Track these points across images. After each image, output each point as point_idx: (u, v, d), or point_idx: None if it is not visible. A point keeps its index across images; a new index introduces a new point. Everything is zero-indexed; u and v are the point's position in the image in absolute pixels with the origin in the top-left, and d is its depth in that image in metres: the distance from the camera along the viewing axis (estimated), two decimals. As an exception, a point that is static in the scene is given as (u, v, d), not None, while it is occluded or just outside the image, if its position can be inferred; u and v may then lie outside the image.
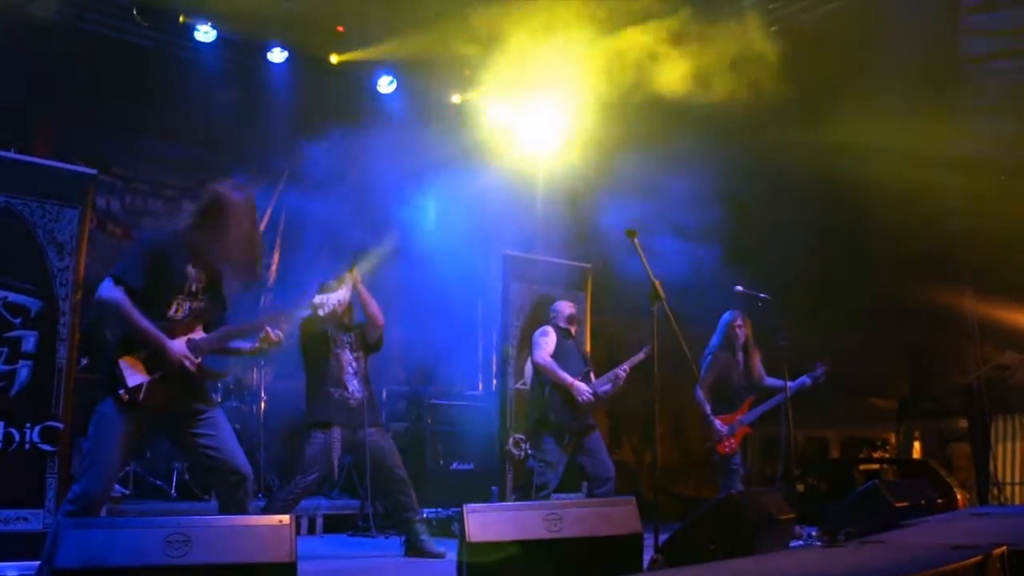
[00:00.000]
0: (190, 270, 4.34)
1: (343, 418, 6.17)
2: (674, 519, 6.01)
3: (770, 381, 7.64)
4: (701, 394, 7.42)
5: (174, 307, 4.31)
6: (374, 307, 6.35)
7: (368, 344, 6.49)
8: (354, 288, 6.16)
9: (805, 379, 7.53)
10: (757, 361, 7.65)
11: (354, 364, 6.29)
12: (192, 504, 7.50)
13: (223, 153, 8.92)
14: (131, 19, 8.58)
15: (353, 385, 6.19)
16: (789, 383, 7.47)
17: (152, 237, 4.41)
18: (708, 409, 7.38)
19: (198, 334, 4.35)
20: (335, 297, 4.88)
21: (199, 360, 4.31)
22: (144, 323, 4.16)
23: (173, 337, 4.24)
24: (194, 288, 4.37)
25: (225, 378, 4.65)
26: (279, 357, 8.67)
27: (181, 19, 8.60)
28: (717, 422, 7.33)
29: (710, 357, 7.61)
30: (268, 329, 4.49)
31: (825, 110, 8.03)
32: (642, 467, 11.57)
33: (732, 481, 7.23)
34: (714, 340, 7.70)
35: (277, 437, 8.43)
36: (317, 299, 4.76)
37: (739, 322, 7.53)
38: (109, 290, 4.16)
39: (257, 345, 4.54)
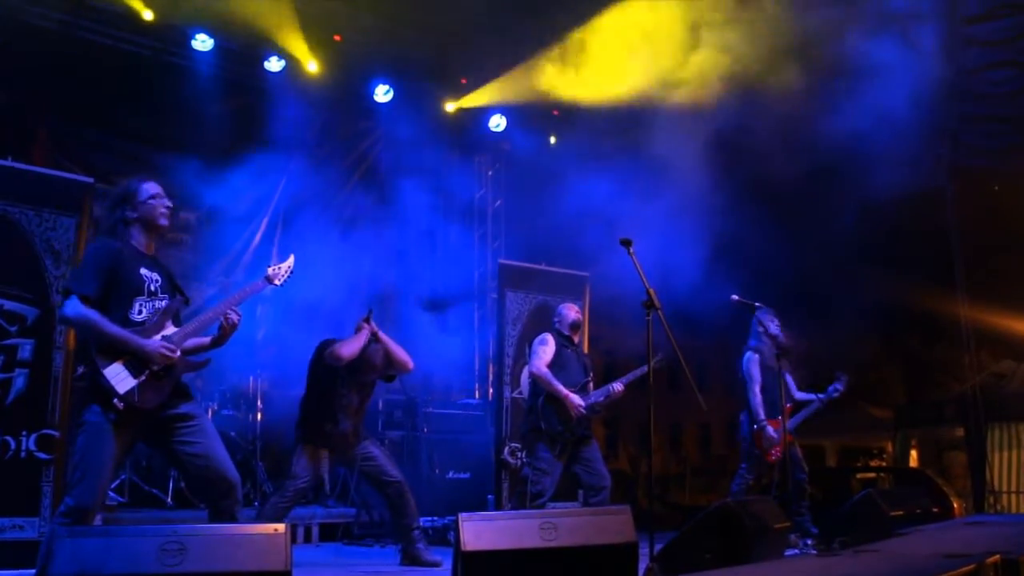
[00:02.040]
0: (144, 272, 4.35)
1: (330, 445, 6.18)
2: (670, 528, 6.01)
3: (800, 395, 7.60)
4: (759, 397, 7.36)
5: (136, 309, 4.29)
6: (400, 353, 6.33)
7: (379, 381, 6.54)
8: (375, 338, 6.21)
9: (837, 386, 7.50)
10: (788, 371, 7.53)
11: (355, 405, 6.26)
12: (188, 512, 7.48)
13: (220, 162, 8.90)
14: (129, 28, 8.59)
15: (345, 424, 6.16)
16: (819, 395, 7.48)
17: (100, 246, 4.35)
18: (763, 415, 7.33)
19: (169, 330, 4.36)
20: (285, 266, 4.85)
21: (179, 352, 4.32)
22: (116, 330, 4.15)
23: (146, 338, 4.24)
24: (152, 288, 4.37)
25: (207, 366, 4.61)
26: (275, 367, 8.73)
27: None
28: (769, 428, 7.28)
29: (753, 354, 7.53)
30: (227, 313, 4.48)
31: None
32: (639, 476, 11.58)
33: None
34: (750, 341, 7.64)
35: (273, 446, 8.42)
36: (270, 271, 4.75)
37: (773, 321, 7.45)
38: (74, 308, 4.14)
39: (217, 334, 4.54)
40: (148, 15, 8.46)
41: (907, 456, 10.23)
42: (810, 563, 4.42)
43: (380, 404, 8.90)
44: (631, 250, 5.54)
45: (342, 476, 8.19)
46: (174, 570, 3.56)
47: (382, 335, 6.28)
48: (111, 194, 4.52)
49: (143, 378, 4.18)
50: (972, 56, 7.72)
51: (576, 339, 7.14)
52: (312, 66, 9.50)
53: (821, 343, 8.92)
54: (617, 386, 6.74)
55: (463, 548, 4.31)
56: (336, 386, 6.17)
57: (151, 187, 4.48)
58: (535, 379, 6.76)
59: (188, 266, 9.02)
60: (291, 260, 4.80)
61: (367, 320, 6.26)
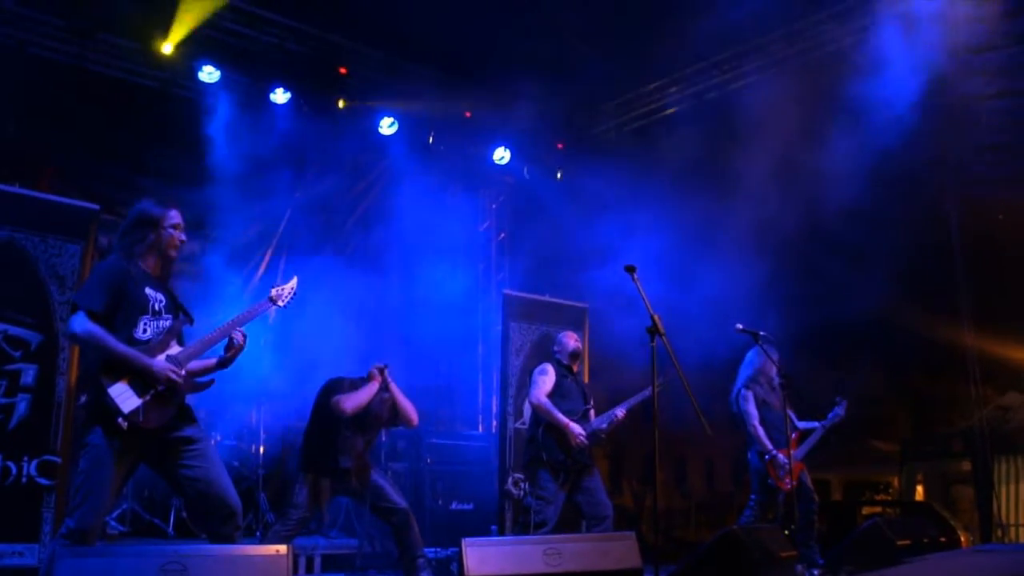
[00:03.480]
0: (148, 291, 4.37)
1: (332, 477, 6.15)
2: (675, 563, 5.95)
3: (803, 424, 7.59)
4: (760, 429, 7.35)
5: (141, 327, 4.31)
6: (408, 410, 6.32)
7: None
8: (385, 388, 6.23)
9: (838, 411, 7.51)
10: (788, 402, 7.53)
11: (359, 448, 6.24)
12: (190, 543, 7.43)
13: (224, 193, 8.95)
14: (136, 60, 8.68)
15: (347, 463, 6.13)
16: (821, 422, 7.48)
17: (106, 265, 4.39)
18: (771, 445, 7.29)
19: (174, 350, 4.36)
20: (288, 287, 4.85)
21: (184, 372, 4.32)
22: (122, 348, 4.17)
23: (151, 357, 4.25)
24: (157, 307, 4.39)
25: (210, 387, 4.61)
26: (280, 398, 8.71)
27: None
28: (781, 456, 7.24)
29: (746, 392, 7.51)
30: (233, 334, 4.49)
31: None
32: (643, 511, 11.48)
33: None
34: (743, 375, 7.63)
35: (276, 477, 8.39)
36: (273, 292, 4.76)
37: (766, 356, 7.43)
38: (82, 323, 4.16)
39: (224, 355, 4.54)
40: (167, 48, 8.54)
41: (913, 490, 10.14)
42: (817, 589, 4.37)
43: (384, 435, 8.87)
44: (635, 276, 5.54)
45: (345, 507, 8.14)
46: (175, 590, 3.54)
47: (394, 388, 6.28)
48: (135, 212, 4.52)
49: (148, 398, 4.18)
50: (976, 85, 7.76)
51: (576, 368, 7.12)
52: (318, 98, 9.56)
53: (824, 377, 8.89)
54: (619, 411, 6.72)
55: (467, 573, 4.28)
56: (339, 428, 6.14)
57: (175, 216, 4.54)
58: (535, 409, 6.74)
59: (191, 296, 9.03)
60: (294, 281, 4.81)
61: (381, 371, 6.27)
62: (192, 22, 8.41)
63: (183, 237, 4.57)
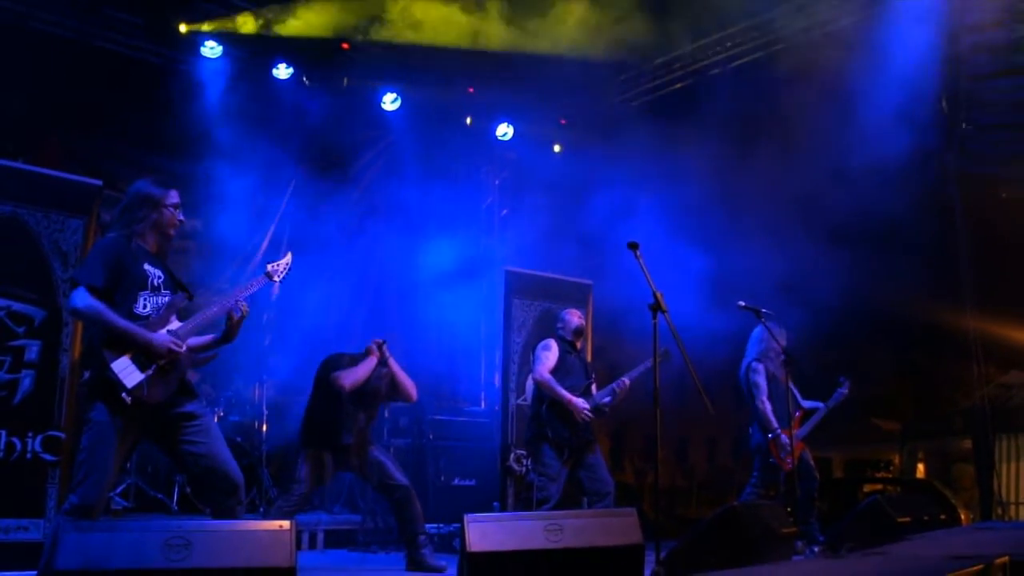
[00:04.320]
0: (147, 268, 4.40)
1: (334, 453, 6.19)
2: (677, 539, 5.98)
3: (807, 404, 7.60)
4: (768, 406, 7.34)
5: (141, 303, 4.33)
6: (407, 385, 6.39)
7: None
8: (384, 363, 6.26)
9: (842, 391, 7.54)
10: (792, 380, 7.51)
11: (360, 423, 6.27)
12: (194, 518, 7.47)
13: (228, 167, 8.93)
14: (139, 35, 8.65)
15: (349, 439, 6.17)
16: (825, 402, 7.50)
17: (106, 242, 4.42)
18: (776, 423, 7.30)
19: (174, 325, 4.39)
20: (284, 262, 4.87)
21: (184, 347, 4.34)
22: (124, 323, 4.20)
23: (152, 332, 4.27)
24: (156, 283, 4.42)
25: (213, 360, 4.65)
26: (282, 374, 8.74)
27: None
28: (784, 437, 7.25)
29: (758, 364, 7.52)
30: (233, 308, 4.50)
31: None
32: (644, 489, 11.53)
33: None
34: (750, 346, 7.65)
35: (279, 453, 8.41)
36: (269, 267, 4.79)
37: (776, 333, 7.40)
38: (84, 298, 4.19)
39: (226, 328, 4.56)
40: (161, 23, 8.52)
41: (915, 468, 10.19)
42: (817, 565, 4.40)
43: (386, 412, 8.89)
44: (638, 253, 5.53)
45: (348, 482, 8.18)
46: (179, 565, 3.56)
47: (393, 363, 6.33)
48: (134, 190, 4.55)
49: (150, 372, 4.21)
50: (979, 63, 7.72)
51: (579, 345, 7.12)
52: (320, 74, 9.52)
53: (827, 355, 8.90)
54: (624, 381, 6.73)
55: (469, 548, 4.31)
56: (341, 403, 6.19)
57: (175, 195, 4.59)
58: (539, 385, 6.75)
59: (194, 272, 9.04)
60: (289, 257, 4.86)
61: (380, 346, 6.29)
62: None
63: (181, 217, 4.61)
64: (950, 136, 8.42)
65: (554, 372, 6.72)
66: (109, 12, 8.49)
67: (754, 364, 7.54)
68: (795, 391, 7.55)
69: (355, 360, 6.28)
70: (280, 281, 4.81)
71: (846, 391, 7.55)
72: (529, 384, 7.53)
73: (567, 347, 6.93)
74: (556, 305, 8.28)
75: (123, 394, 4.10)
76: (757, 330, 7.58)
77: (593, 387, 6.88)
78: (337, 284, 9.68)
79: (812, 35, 8.61)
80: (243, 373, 8.61)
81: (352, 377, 6.10)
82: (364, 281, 10.14)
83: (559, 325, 7.09)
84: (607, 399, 6.75)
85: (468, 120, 10.61)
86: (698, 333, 7.23)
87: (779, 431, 7.27)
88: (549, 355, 6.82)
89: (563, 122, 10.83)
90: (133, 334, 4.20)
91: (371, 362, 6.22)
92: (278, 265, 4.80)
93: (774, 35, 8.94)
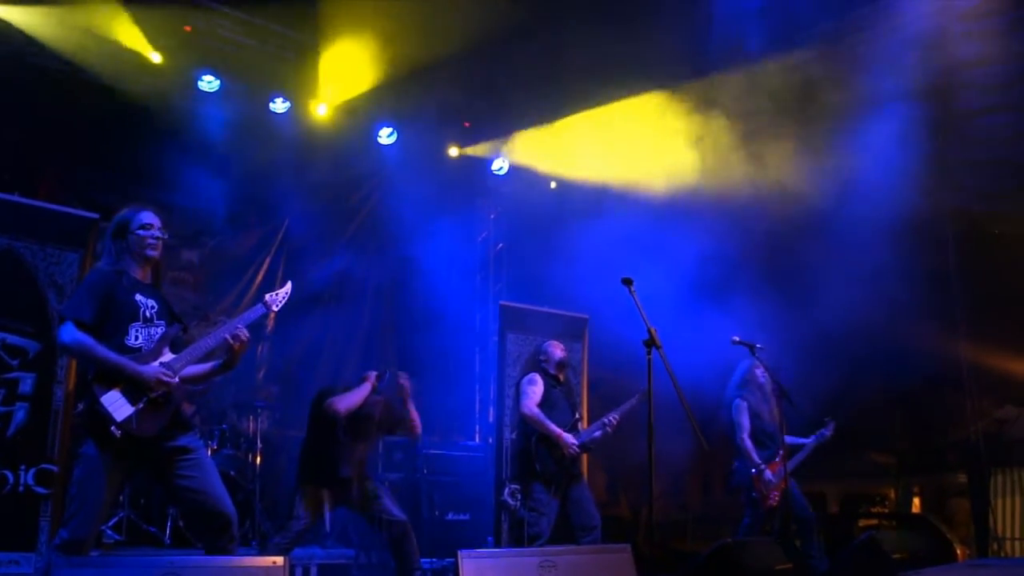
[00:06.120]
0: (139, 298, 4.39)
1: (331, 488, 6.17)
2: (672, 574, 5.95)
3: (789, 439, 7.58)
4: (749, 443, 7.34)
5: (132, 335, 4.32)
6: (416, 419, 6.38)
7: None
8: (401, 395, 6.29)
9: (824, 432, 7.53)
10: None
11: (357, 454, 6.25)
12: (186, 553, 7.41)
13: (223, 202, 8.96)
14: (136, 69, 8.68)
15: (346, 471, 6.14)
16: (808, 439, 7.49)
17: (94, 275, 4.40)
18: (758, 458, 7.29)
19: (167, 357, 4.37)
20: (282, 292, 4.87)
21: (176, 378, 4.31)
22: (112, 356, 4.18)
23: (143, 364, 4.25)
24: (148, 314, 4.40)
25: (205, 394, 4.63)
26: (276, 407, 8.71)
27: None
28: (768, 472, 7.24)
29: (741, 402, 7.50)
30: (231, 337, 4.46)
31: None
32: (639, 523, 11.47)
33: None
34: (733, 383, 7.64)
35: (273, 487, 8.37)
36: (267, 297, 4.77)
37: (759, 368, 7.41)
38: (71, 334, 4.17)
39: (226, 356, 4.53)
40: (156, 57, 8.56)
41: (910, 503, 10.16)
42: (812, 602, 4.38)
43: (380, 446, 8.86)
44: (632, 289, 5.55)
45: (342, 516, 8.13)
46: (171, 601, 3.55)
47: (409, 401, 6.32)
48: (111, 222, 4.56)
49: (141, 405, 4.18)
50: (972, 99, 7.79)
51: (562, 378, 7.12)
52: (320, 109, 9.57)
53: (819, 388, 8.89)
54: (612, 417, 6.72)
55: (462, 585, 4.29)
56: (337, 436, 6.16)
57: (144, 216, 4.52)
58: (527, 420, 6.73)
59: (191, 305, 9.04)
60: (288, 286, 4.84)
61: (379, 377, 6.29)
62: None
63: (156, 235, 4.52)
64: (945, 171, 8.47)
65: (540, 406, 6.71)
66: (104, 47, 8.48)
67: (737, 401, 7.55)
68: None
69: (348, 389, 6.27)
70: (278, 311, 4.78)
71: (829, 433, 7.55)
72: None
73: (551, 381, 6.93)
74: (553, 340, 8.28)
75: (112, 428, 4.07)
76: (742, 364, 7.60)
77: (580, 423, 6.87)
78: (332, 317, 9.69)
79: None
80: (237, 406, 8.58)
81: (346, 402, 6.07)
82: (359, 315, 10.15)
83: (542, 358, 7.09)
84: (596, 434, 6.74)
85: (460, 152, 10.66)
86: (690, 365, 7.24)
87: (762, 466, 7.27)
88: (535, 389, 6.81)
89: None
90: (122, 367, 4.18)
91: (365, 388, 6.19)
92: (276, 295, 4.78)
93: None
